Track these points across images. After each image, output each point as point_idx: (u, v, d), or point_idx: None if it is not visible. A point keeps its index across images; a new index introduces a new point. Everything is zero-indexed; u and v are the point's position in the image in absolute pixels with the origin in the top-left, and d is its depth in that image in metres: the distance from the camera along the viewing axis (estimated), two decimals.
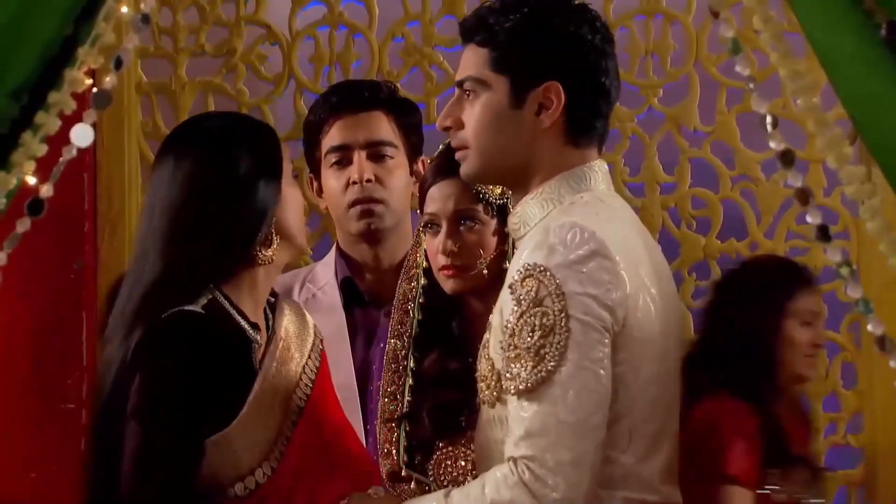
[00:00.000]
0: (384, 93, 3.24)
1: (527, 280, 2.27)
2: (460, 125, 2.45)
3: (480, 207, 2.72)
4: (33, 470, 3.91)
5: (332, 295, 3.26)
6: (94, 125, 2.34)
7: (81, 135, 2.33)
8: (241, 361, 2.56)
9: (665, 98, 4.03)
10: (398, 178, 3.20)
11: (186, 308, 2.50)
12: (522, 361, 2.25)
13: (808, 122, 2.11)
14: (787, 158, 2.15)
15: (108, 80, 2.31)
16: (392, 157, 3.20)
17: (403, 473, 2.73)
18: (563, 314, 2.23)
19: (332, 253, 3.32)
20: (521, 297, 2.27)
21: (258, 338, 2.61)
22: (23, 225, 2.39)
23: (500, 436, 2.33)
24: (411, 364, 2.80)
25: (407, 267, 2.89)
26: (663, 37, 4.04)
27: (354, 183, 3.17)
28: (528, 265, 2.28)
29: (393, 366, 2.81)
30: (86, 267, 4.02)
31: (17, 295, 3.84)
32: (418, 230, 2.87)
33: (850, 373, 3.93)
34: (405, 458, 2.74)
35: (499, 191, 2.73)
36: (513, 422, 2.27)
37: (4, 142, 2.35)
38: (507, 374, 2.27)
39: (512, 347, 2.27)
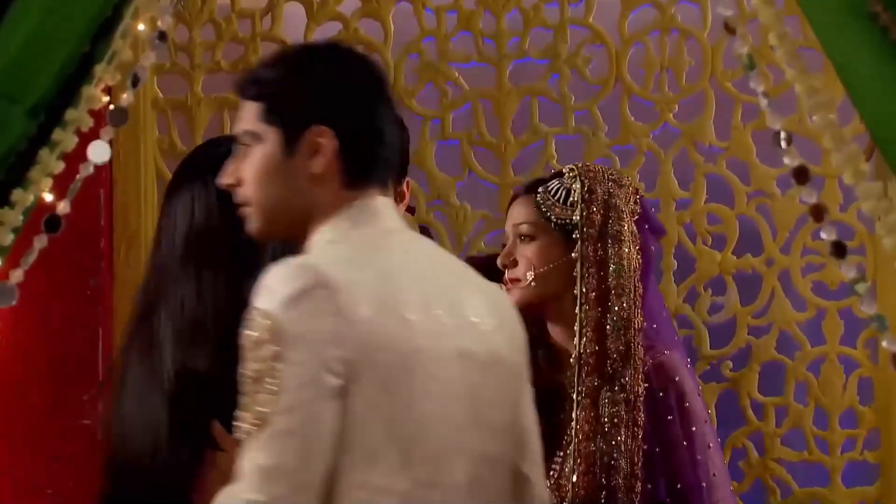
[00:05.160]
0: None
1: (247, 327, 2.21)
2: (241, 182, 2.40)
3: (541, 224, 2.87)
4: (50, 486, 3.91)
5: None
6: (110, 142, 2.35)
7: (98, 152, 2.34)
8: None
9: (680, 114, 4.03)
10: None
11: None
12: (244, 409, 2.20)
13: (825, 139, 2.11)
14: (801, 175, 2.14)
15: (125, 98, 2.32)
16: None
17: None
18: (274, 359, 2.18)
19: None
20: (244, 345, 2.22)
21: None
22: (40, 241, 2.40)
23: None
24: None
25: None
26: (678, 52, 4.03)
27: None
28: (250, 311, 2.22)
29: None
30: (102, 283, 4.02)
31: (33, 311, 3.85)
32: None
33: (866, 389, 3.92)
34: None
35: (558, 209, 2.82)
36: None
37: (22, 159, 2.36)
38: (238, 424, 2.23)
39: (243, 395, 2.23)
